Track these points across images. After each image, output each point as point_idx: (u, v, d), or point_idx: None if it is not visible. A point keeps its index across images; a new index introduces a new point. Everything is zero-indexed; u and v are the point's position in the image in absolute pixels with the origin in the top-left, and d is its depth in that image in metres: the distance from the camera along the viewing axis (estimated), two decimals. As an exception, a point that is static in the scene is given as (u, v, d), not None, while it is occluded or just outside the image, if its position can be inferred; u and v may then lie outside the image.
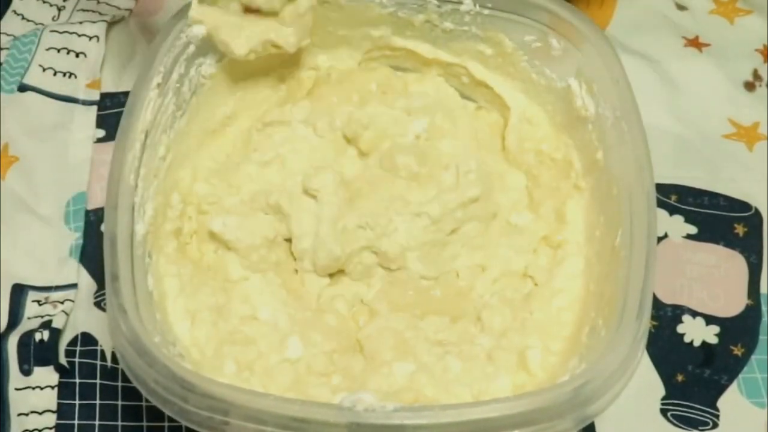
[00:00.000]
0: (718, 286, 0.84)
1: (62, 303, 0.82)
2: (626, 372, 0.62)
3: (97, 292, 0.83)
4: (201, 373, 0.62)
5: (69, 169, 0.89)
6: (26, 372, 0.78)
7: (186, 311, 0.72)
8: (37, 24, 0.99)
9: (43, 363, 0.79)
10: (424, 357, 0.71)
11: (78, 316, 0.82)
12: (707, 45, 0.97)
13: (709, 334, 0.81)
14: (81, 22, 0.97)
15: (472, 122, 0.84)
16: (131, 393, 0.77)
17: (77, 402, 0.78)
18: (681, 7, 1.00)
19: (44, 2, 1.01)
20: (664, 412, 0.78)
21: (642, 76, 0.93)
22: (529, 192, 0.81)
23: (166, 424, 0.77)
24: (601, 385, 0.61)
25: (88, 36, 0.96)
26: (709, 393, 0.79)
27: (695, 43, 0.97)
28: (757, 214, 0.87)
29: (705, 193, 0.88)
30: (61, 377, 0.78)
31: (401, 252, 0.76)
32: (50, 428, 0.77)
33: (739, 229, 0.86)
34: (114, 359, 0.79)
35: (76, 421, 0.77)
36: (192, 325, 0.71)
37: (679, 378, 0.79)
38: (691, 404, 0.78)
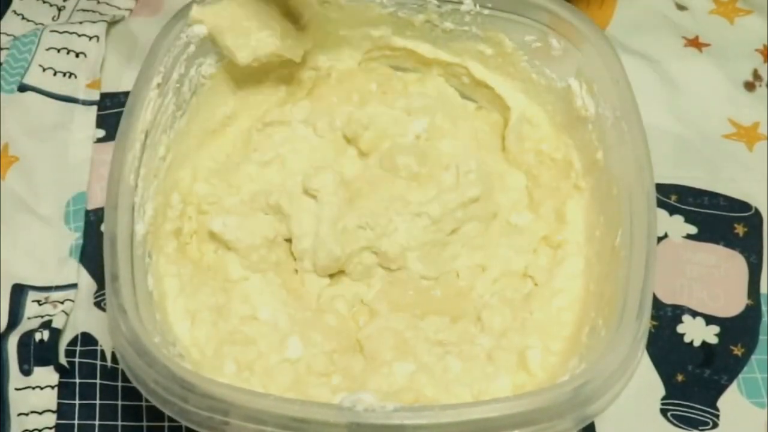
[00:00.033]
0: (718, 286, 0.84)
1: (62, 303, 0.82)
2: (626, 372, 0.62)
3: (97, 292, 0.83)
4: (201, 373, 0.62)
5: (69, 169, 0.89)
6: (26, 372, 0.78)
7: (186, 311, 0.72)
8: (37, 24, 0.99)
9: (43, 363, 0.79)
10: (424, 357, 0.71)
11: (78, 316, 0.82)
12: (707, 45, 0.97)
13: (709, 334, 0.81)
14: (81, 22, 0.97)
15: (473, 122, 0.84)
16: (131, 393, 0.77)
17: (77, 402, 0.78)
18: (681, 7, 1.01)
19: (44, 2, 1.01)
20: (664, 412, 0.78)
21: (642, 76, 0.93)
22: (529, 192, 0.81)
23: (166, 424, 0.77)
24: (601, 385, 0.61)
25: (88, 36, 0.96)
26: (709, 393, 0.79)
27: (695, 43, 0.98)
28: (757, 214, 0.87)
29: (705, 193, 0.88)
30: (61, 377, 0.78)
31: (401, 252, 0.76)
32: (50, 428, 0.77)
33: (739, 229, 0.86)
34: (114, 359, 0.79)
35: (76, 421, 0.77)
36: (192, 325, 0.71)
37: (679, 378, 0.79)
38: (691, 404, 0.78)
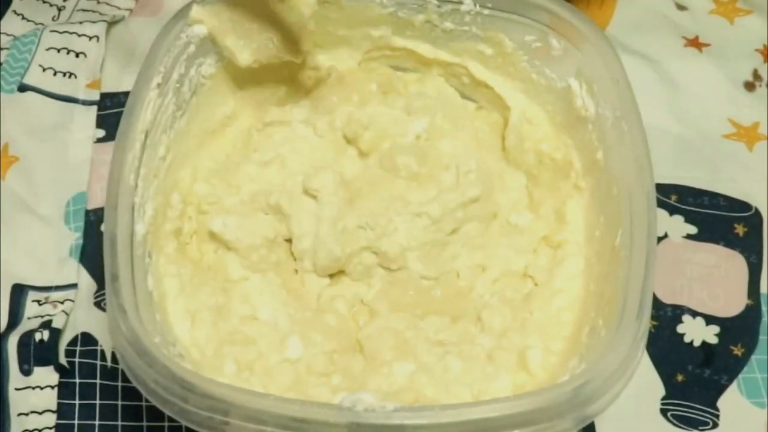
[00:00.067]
0: (718, 286, 0.84)
1: (62, 303, 0.82)
2: (626, 372, 0.62)
3: (97, 292, 0.83)
4: (201, 374, 0.62)
5: (69, 169, 0.89)
6: (26, 372, 0.78)
7: (186, 311, 0.72)
8: (37, 24, 0.99)
9: (43, 363, 0.79)
10: (424, 357, 0.71)
11: (78, 316, 0.82)
12: (707, 45, 0.98)
13: (709, 334, 0.81)
14: (81, 22, 0.97)
15: (473, 122, 0.84)
16: (131, 393, 0.77)
17: (77, 402, 0.78)
18: (681, 7, 1.01)
19: (44, 2, 1.01)
20: (664, 412, 0.78)
21: (642, 76, 0.93)
22: (529, 192, 0.81)
23: (166, 424, 0.77)
24: (601, 385, 0.61)
25: (88, 36, 0.96)
26: (709, 393, 0.79)
27: (695, 43, 0.98)
28: (757, 214, 0.87)
29: (705, 193, 0.88)
30: (61, 377, 0.78)
31: (401, 252, 0.76)
32: (50, 428, 0.77)
33: (739, 229, 0.86)
34: (114, 359, 0.79)
35: (76, 421, 0.77)
36: (192, 325, 0.71)
37: (679, 378, 0.79)
38: (691, 404, 0.78)
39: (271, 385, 0.69)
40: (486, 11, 0.80)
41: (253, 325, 0.72)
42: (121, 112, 0.72)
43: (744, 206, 0.87)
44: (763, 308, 0.83)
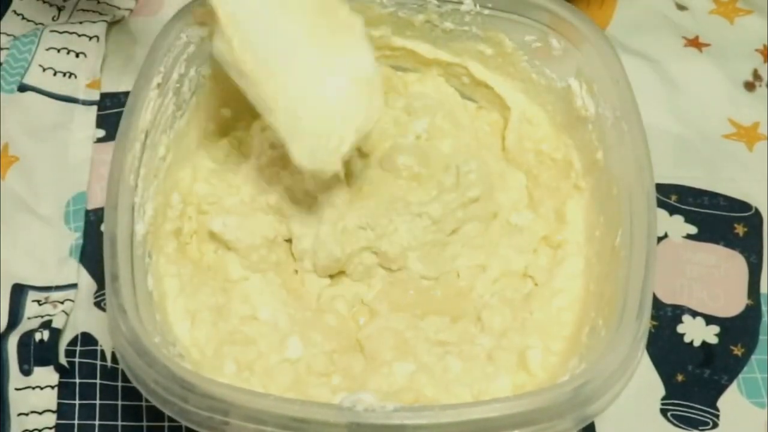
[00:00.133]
0: (718, 286, 0.84)
1: (62, 303, 0.82)
2: (626, 372, 0.62)
3: (97, 292, 0.83)
4: (201, 374, 0.62)
5: (69, 169, 0.89)
6: (26, 372, 0.78)
7: (186, 311, 0.72)
8: (37, 24, 0.99)
9: (43, 363, 0.78)
10: (424, 357, 0.71)
11: (78, 316, 0.82)
12: (707, 45, 0.98)
13: (709, 334, 0.81)
14: (81, 22, 0.97)
15: (473, 122, 0.84)
16: (131, 393, 0.76)
17: (77, 402, 0.78)
18: (681, 7, 1.01)
19: (44, 2, 1.01)
20: (664, 412, 0.78)
21: (642, 76, 0.93)
22: (529, 192, 0.81)
23: (166, 424, 0.77)
24: (601, 385, 0.61)
25: (88, 36, 0.96)
26: (709, 393, 0.79)
27: (695, 43, 0.98)
28: (757, 214, 0.87)
29: (705, 193, 0.88)
30: (61, 377, 0.78)
31: (402, 252, 0.76)
32: (50, 428, 0.77)
33: (739, 229, 0.86)
34: (114, 359, 0.79)
35: (76, 421, 0.77)
36: (192, 325, 0.71)
37: (679, 378, 0.79)
38: (691, 404, 0.78)
39: (271, 385, 0.69)
40: (486, 11, 0.80)
41: (253, 325, 0.72)
42: (121, 112, 0.72)
43: (744, 206, 0.88)
44: (763, 308, 0.83)
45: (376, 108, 0.71)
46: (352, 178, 0.79)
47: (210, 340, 0.71)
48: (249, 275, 0.75)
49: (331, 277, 0.77)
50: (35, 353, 0.78)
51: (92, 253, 0.85)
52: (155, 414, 0.76)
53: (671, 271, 0.84)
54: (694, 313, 0.82)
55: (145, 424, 0.77)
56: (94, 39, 0.96)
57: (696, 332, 0.82)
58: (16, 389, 0.78)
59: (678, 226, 0.86)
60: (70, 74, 0.94)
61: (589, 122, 0.76)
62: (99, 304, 0.82)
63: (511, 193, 0.80)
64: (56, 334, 0.80)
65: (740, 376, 0.80)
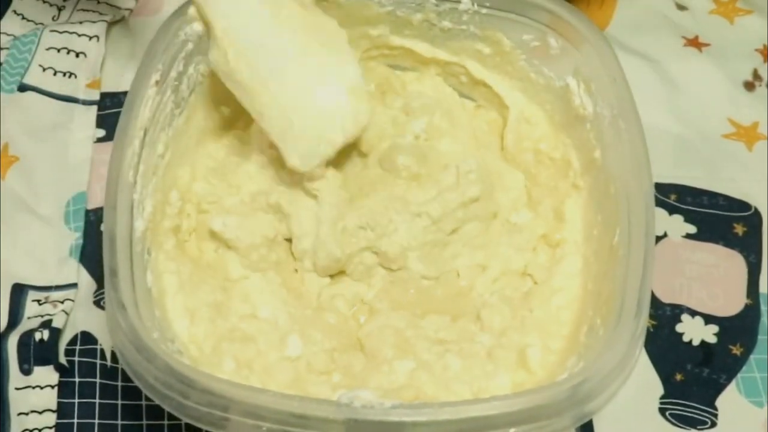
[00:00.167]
0: (717, 285, 0.84)
1: (62, 303, 0.82)
2: (624, 370, 0.62)
3: (96, 291, 0.83)
4: (200, 369, 0.62)
5: (69, 169, 0.89)
6: (26, 371, 0.78)
7: (185, 308, 0.71)
8: (37, 24, 0.99)
9: (43, 362, 0.79)
10: (424, 355, 0.71)
11: (77, 315, 0.82)
12: (707, 45, 0.98)
13: (708, 334, 0.81)
14: (81, 22, 0.98)
15: (471, 121, 0.85)
16: (131, 392, 0.77)
17: (76, 401, 0.78)
18: (681, 7, 1.01)
19: (44, 2, 1.01)
20: (662, 411, 0.78)
21: (642, 75, 0.94)
22: (527, 191, 0.81)
23: (165, 422, 0.76)
24: (599, 384, 0.61)
25: (88, 36, 0.96)
26: (708, 392, 0.79)
27: (695, 42, 0.98)
28: (757, 214, 0.87)
29: (704, 193, 0.88)
30: (60, 376, 0.78)
31: (402, 252, 0.76)
32: (50, 428, 0.77)
33: (739, 229, 0.86)
34: (114, 358, 0.79)
35: (75, 420, 0.77)
36: (191, 322, 0.71)
37: (678, 377, 0.79)
38: (689, 403, 0.78)
39: (270, 383, 0.68)
40: (484, 10, 0.80)
41: (253, 323, 0.72)
42: (121, 112, 0.72)
43: (743, 206, 0.88)
44: (762, 308, 0.83)
45: (363, 114, 0.75)
46: (351, 179, 0.79)
47: (209, 337, 0.70)
48: (249, 274, 0.75)
49: (332, 276, 0.77)
50: (35, 353, 0.79)
51: (92, 252, 0.85)
52: (155, 413, 0.76)
53: (670, 271, 0.84)
54: (693, 313, 0.82)
55: (144, 422, 0.77)
56: (94, 39, 0.96)
57: (695, 331, 0.82)
58: (16, 389, 0.78)
59: (677, 226, 0.86)
60: (70, 74, 0.95)
61: (587, 121, 0.77)
62: (99, 303, 0.82)
63: (510, 193, 0.81)
64: (56, 333, 0.80)
65: (739, 375, 0.80)
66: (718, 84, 0.95)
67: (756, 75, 0.96)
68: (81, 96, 0.94)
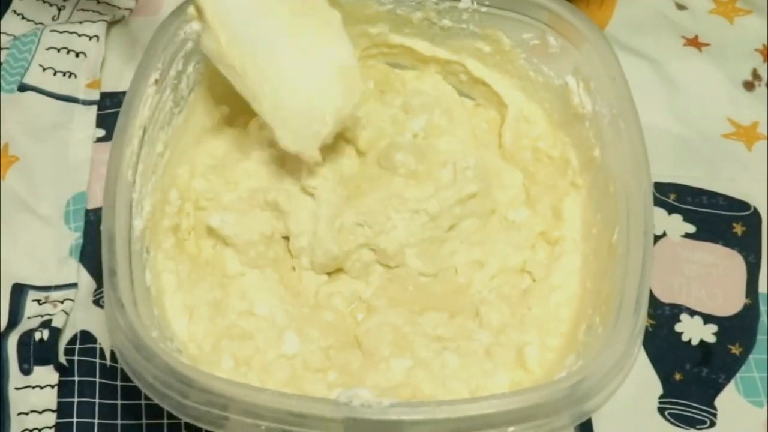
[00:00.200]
0: (717, 285, 0.84)
1: (62, 302, 0.82)
2: (623, 369, 0.62)
3: (96, 290, 0.83)
4: (199, 368, 0.62)
5: (69, 169, 0.89)
6: (26, 371, 0.78)
7: (184, 307, 0.72)
8: (37, 24, 0.99)
9: (42, 362, 0.79)
10: (421, 353, 0.71)
11: (77, 315, 0.82)
12: (707, 45, 0.98)
13: (707, 333, 0.81)
14: (81, 22, 0.98)
15: (470, 119, 0.85)
16: (130, 391, 0.77)
17: (76, 400, 0.77)
18: (681, 7, 1.01)
19: (44, 2, 1.02)
20: (661, 410, 0.78)
21: (641, 75, 0.94)
22: (526, 189, 0.81)
23: (165, 421, 0.77)
24: (597, 382, 0.61)
25: (88, 36, 0.96)
26: (707, 392, 0.79)
27: (695, 42, 0.98)
28: (756, 214, 0.87)
29: (704, 193, 0.88)
30: (60, 376, 0.78)
31: (400, 249, 0.76)
32: (50, 427, 0.76)
33: (738, 229, 0.86)
34: (113, 358, 0.79)
35: (75, 420, 0.77)
36: (189, 320, 0.71)
37: (677, 377, 0.79)
38: (688, 403, 0.78)
39: (268, 380, 0.68)
40: (483, 9, 0.80)
41: (251, 320, 0.72)
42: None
43: (743, 206, 0.88)
44: (762, 307, 0.83)
45: (355, 94, 0.75)
46: (349, 177, 0.79)
47: (207, 335, 0.71)
48: (246, 271, 0.75)
49: (329, 274, 0.77)
50: (35, 353, 0.79)
51: (92, 252, 0.85)
52: (154, 412, 0.76)
53: (669, 270, 0.84)
54: (693, 312, 0.82)
55: (144, 422, 0.77)
56: (94, 39, 0.96)
57: (694, 331, 0.82)
58: (16, 388, 0.78)
59: (677, 225, 0.86)
60: (70, 74, 0.95)
61: (586, 120, 0.77)
62: (98, 303, 0.82)
63: (509, 190, 0.81)
64: (56, 333, 0.80)
65: (738, 375, 0.80)
66: (718, 84, 0.95)
67: (756, 75, 0.96)
68: (81, 96, 0.94)
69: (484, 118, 0.85)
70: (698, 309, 0.82)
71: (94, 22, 0.97)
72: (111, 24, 0.99)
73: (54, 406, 0.77)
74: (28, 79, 0.94)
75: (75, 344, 0.80)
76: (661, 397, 0.79)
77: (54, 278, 0.84)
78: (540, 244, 0.78)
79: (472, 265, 0.77)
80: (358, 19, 0.83)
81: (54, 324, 0.80)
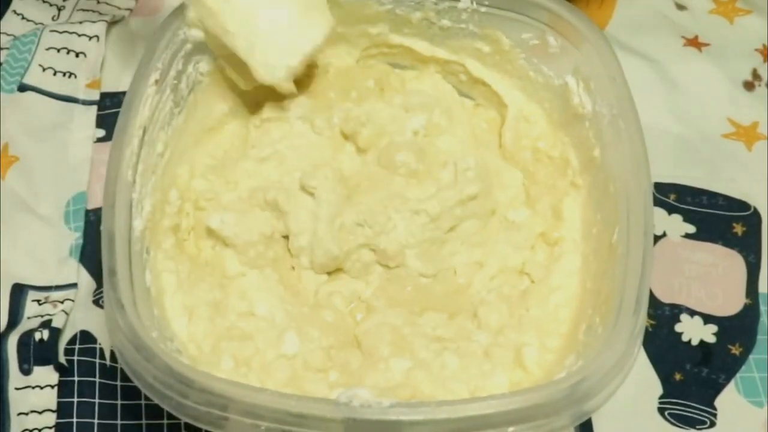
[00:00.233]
0: (717, 285, 0.84)
1: (62, 302, 0.82)
2: (623, 369, 0.62)
3: (96, 290, 0.83)
4: (199, 369, 0.62)
5: (69, 169, 0.89)
6: (26, 371, 0.78)
7: (183, 307, 0.72)
8: (37, 24, 1.00)
9: (42, 362, 0.79)
10: (421, 353, 0.71)
11: (77, 315, 0.82)
12: (707, 45, 0.98)
13: (707, 333, 0.81)
14: (81, 22, 0.98)
15: (470, 119, 0.85)
16: (130, 391, 0.77)
17: (76, 400, 0.78)
18: (681, 7, 1.01)
19: (44, 2, 1.02)
20: (661, 410, 0.78)
21: (641, 75, 0.94)
22: (526, 189, 0.81)
23: (164, 421, 0.77)
24: (597, 382, 0.61)
25: (88, 36, 0.96)
26: (707, 392, 0.79)
27: (695, 42, 0.98)
28: (756, 214, 0.87)
29: (704, 193, 0.88)
30: (60, 376, 0.78)
31: (400, 249, 0.76)
32: (50, 427, 0.77)
33: (738, 229, 0.86)
34: (113, 358, 0.79)
35: (75, 420, 0.77)
36: (189, 320, 0.71)
37: (677, 377, 0.79)
38: (688, 403, 0.78)
39: (268, 380, 0.68)
40: (483, 9, 0.80)
41: (250, 320, 0.72)
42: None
43: (743, 206, 0.88)
44: (762, 308, 0.83)
45: (323, 25, 0.78)
46: (349, 176, 0.79)
47: (207, 335, 0.71)
48: (246, 271, 0.75)
49: (329, 273, 0.77)
50: (35, 353, 0.79)
51: (92, 252, 0.85)
52: (154, 412, 0.76)
53: (669, 270, 0.84)
54: (693, 312, 0.82)
55: (144, 422, 0.77)
56: (94, 39, 0.96)
57: (694, 331, 0.82)
58: (16, 389, 0.78)
59: (677, 225, 0.86)
60: (70, 74, 0.95)
61: (586, 120, 0.77)
62: (98, 303, 0.82)
63: (509, 191, 0.81)
64: (56, 333, 0.80)
65: (738, 375, 0.80)
66: (718, 84, 0.95)
67: (756, 75, 0.96)
68: (81, 96, 0.94)
69: (484, 118, 0.85)
70: (698, 309, 0.82)
71: (94, 22, 0.97)
72: (111, 24, 0.98)
73: (54, 406, 0.77)
74: (28, 79, 0.94)
75: (75, 344, 0.80)
76: (661, 397, 0.79)
77: (54, 278, 0.84)
78: (539, 244, 0.78)
79: (472, 266, 0.77)
80: (358, 19, 0.83)
81: (54, 324, 0.80)
